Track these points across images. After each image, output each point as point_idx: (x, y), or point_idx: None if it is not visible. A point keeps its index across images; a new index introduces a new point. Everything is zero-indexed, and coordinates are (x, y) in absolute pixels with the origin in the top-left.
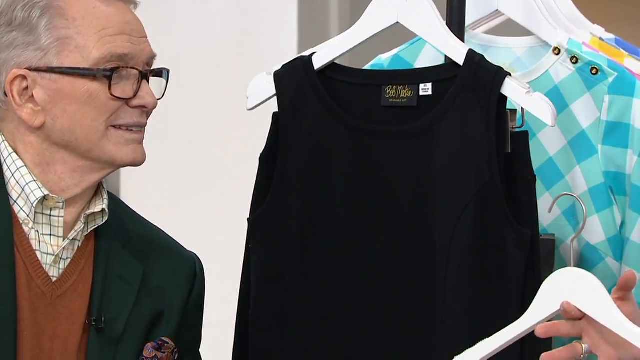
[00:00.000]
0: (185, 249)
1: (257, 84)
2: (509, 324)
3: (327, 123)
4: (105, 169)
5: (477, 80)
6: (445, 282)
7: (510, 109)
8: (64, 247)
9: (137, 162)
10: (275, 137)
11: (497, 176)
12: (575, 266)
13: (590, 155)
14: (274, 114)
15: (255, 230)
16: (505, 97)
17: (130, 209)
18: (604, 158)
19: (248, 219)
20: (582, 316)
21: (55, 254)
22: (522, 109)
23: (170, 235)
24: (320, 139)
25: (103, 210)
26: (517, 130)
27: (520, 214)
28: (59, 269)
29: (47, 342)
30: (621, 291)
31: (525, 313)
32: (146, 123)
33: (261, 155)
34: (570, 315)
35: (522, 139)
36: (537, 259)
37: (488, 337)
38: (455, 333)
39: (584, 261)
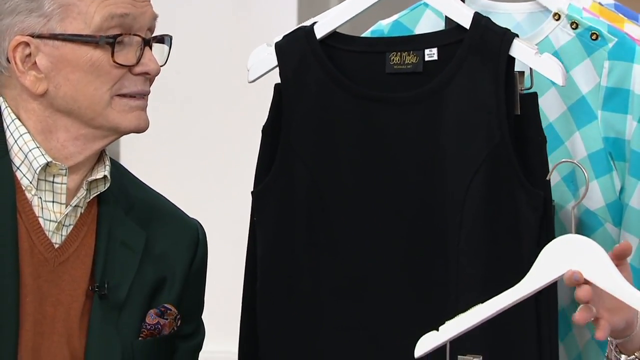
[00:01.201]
0: (188, 216)
1: (258, 56)
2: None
3: (331, 92)
4: (108, 137)
5: (485, 42)
6: (459, 246)
7: (517, 71)
8: (66, 214)
9: (141, 129)
10: (278, 109)
11: (508, 138)
12: (573, 232)
13: (590, 121)
14: (276, 85)
15: (260, 203)
16: (514, 59)
17: (133, 175)
18: (603, 124)
19: (252, 192)
20: (584, 284)
21: (58, 220)
22: (531, 70)
23: (173, 202)
24: (325, 108)
25: (105, 177)
26: (525, 92)
27: (532, 175)
28: (62, 235)
29: (49, 309)
30: (616, 259)
31: (523, 279)
32: (149, 90)
33: (264, 127)
34: (574, 285)
35: (532, 100)
36: (551, 220)
37: None
38: (469, 297)
39: (583, 227)
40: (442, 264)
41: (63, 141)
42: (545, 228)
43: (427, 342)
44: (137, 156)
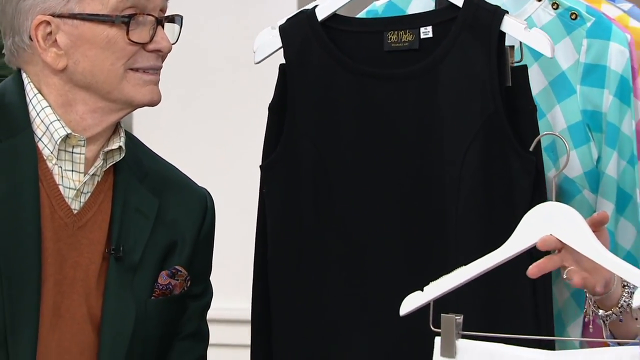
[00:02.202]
0: (197, 185)
1: (263, 38)
2: (521, 257)
3: (333, 70)
4: (123, 109)
5: (477, 19)
6: (457, 213)
7: (508, 45)
8: (84, 182)
9: (154, 102)
10: (283, 87)
11: (501, 108)
12: (553, 198)
13: (570, 95)
14: (281, 65)
15: (269, 176)
16: (504, 34)
17: (147, 147)
18: (582, 97)
19: (260, 166)
20: (561, 247)
21: (77, 188)
22: (521, 44)
23: (183, 173)
24: (327, 85)
25: (120, 147)
26: (516, 64)
27: (524, 142)
28: (80, 202)
29: (69, 270)
30: (594, 227)
31: (505, 244)
32: (161, 66)
33: (270, 105)
34: (549, 248)
35: (522, 72)
36: (542, 184)
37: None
38: (466, 252)
39: (563, 193)
40: (441, 231)
41: (82, 114)
42: (537, 192)
43: (412, 302)
44: (151, 131)
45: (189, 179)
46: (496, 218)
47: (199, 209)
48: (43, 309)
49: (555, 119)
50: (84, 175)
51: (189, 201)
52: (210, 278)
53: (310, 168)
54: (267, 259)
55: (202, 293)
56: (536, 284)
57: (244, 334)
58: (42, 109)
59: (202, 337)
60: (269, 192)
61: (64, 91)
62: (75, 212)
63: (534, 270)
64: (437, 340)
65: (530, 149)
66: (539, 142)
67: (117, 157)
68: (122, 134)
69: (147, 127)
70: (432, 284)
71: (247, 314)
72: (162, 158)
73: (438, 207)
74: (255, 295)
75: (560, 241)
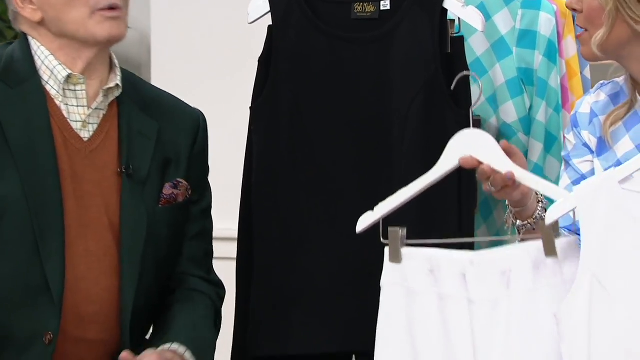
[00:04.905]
0: (191, 106)
1: (256, 3)
2: (450, 179)
3: (309, 33)
4: (94, 46)
5: None
6: (402, 147)
7: (449, 19)
8: (89, 114)
9: (114, 36)
10: (270, 44)
11: (440, 70)
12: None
13: (507, 55)
14: (269, 26)
15: (256, 116)
16: (446, 10)
17: (143, 80)
18: (517, 57)
19: (250, 107)
20: (478, 165)
21: (83, 120)
22: (459, 18)
23: (178, 97)
24: (304, 44)
25: (117, 85)
26: (455, 35)
27: (458, 99)
28: (89, 131)
29: (87, 187)
30: (505, 151)
31: (435, 165)
32: (120, 4)
33: (259, 58)
34: (469, 166)
35: (459, 42)
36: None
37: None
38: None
39: (502, 135)
40: (390, 161)
41: (67, 55)
42: None
43: (365, 220)
44: (164, 73)
45: (183, 102)
46: (434, 156)
47: (192, 128)
48: (69, 220)
49: (496, 75)
50: (88, 109)
51: (183, 122)
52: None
53: (287, 110)
54: (251, 184)
55: (200, 198)
56: (461, 198)
57: (231, 249)
58: (46, 57)
59: (206, 234)
60: (255, 129)
61: (53, 39)
62: (85, 140)
63: (463, 161)
64: (387, 249)
65: (476, 101)
66: (469, 96)
67: (116, 93)
68: (119, 73)
69: (159, 70)
70: (380, 204)
71: (234, 233)
72: (158, 88)
73: (387, 146)
74: (241, 216)
75: (478, 160)
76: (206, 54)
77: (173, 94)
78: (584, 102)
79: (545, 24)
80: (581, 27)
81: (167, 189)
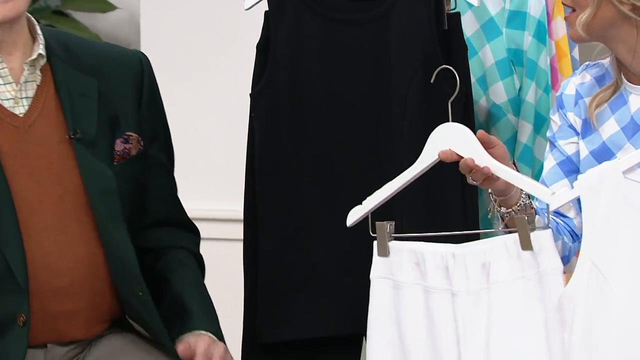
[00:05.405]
0: (129, 50)
1: None
2: (453, 170)
3: (306, 16)
4: None
5: None
6: (402, 126)
7: None
8: (19, 90)
9: (8, 17)
10: (267, 30)
11: (438, 47)
12: (483, 120)
13: (497, 36)
14: (265, 12)
15: (256, 102)
16: None
17: (73, 35)
18: (507, 38)
19: (250, 94)
20: (458, 159)
21: (14, 97)
22: None
23: (112, 44)
24: (300, 28)
25: (40, 54)
26: (451, 12)
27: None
28: (24, 106)
29: (35, 161)
30: (485, 144)
31: (417, 160)
32: None
33: (257, 44)
34: (449, 160)
35: (456, 18)
36: (471, 107)
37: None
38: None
39: (491, 116)
40: (391, 137)
41: None
42: (467, 115)
43: (355, 214)
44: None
45: (118, 46)
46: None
47: (133, 77)
48: (20, 199)
49: (486, 56)
50: (17, 85)
51: (123, 71)
52: (214, 186)
53: (287, 95)
54: (254, 170)
55: (161, 148)
56: (465, 193)
57: (237, 231)
58: None
59: (190, 229)
60: (256, 115)
61: None
62: (21, 115)
63: (444, 155)
64: (375, 243)
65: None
66: (467, 71)
67: (42, 62)
68: (41, 41)
69: (148, 51)
70: (368, 198)
71: (240, 214)
72: (88, 39)
73: (387, 123)
74: (246, 198)
75: (457, 154)
76: (196, 34)
77: (163, 75)
78: (569, 84)
79: (534, 4)
80: (568, 7)
81: (119, 145)
